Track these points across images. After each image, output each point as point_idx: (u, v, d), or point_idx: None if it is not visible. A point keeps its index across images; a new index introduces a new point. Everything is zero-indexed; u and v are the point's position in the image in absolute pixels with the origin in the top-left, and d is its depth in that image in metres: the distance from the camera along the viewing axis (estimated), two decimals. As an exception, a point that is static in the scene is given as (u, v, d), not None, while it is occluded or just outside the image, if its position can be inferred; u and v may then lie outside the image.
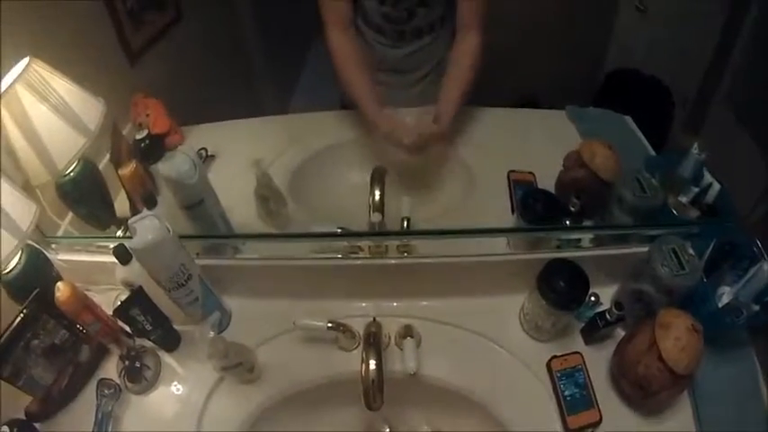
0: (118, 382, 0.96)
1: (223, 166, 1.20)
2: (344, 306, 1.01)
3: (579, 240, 1.04)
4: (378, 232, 0.95)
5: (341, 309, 1.00)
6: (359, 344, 0.96)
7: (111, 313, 0.96)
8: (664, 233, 0.95)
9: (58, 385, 0.95)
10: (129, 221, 0.84)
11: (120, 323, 0.98)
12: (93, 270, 1.07)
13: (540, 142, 1.22)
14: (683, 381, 0.83)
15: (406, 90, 1.20)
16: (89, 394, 0.96)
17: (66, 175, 0.98)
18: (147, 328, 0.95)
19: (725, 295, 0.91)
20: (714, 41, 1.35)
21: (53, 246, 1.08)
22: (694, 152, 0.98)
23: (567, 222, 1.00)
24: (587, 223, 1.04)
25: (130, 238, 0.83)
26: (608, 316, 0.92)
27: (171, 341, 1.01)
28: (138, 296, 0.91)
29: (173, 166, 0.88)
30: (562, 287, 0.87)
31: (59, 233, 1.09)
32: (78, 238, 1.10)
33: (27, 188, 0.97)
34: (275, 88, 1.66)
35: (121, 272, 0.95)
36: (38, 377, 0.91)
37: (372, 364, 0.81)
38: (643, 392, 0.85)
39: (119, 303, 0.92)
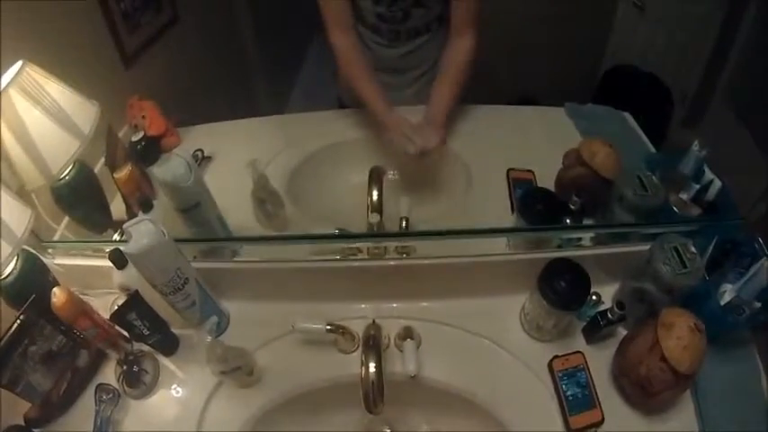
0: (116, 386, 0.96)
1: (220, 167, 1.19)
2: (343, 308, 1.01)
3: (580, 239, 1.03)
4: (376, 234, 0.94)
5: (340, 311, 0.99)
6: (358, 346, 0.96)
7: (108, 318, 0.95)
8: (665, 232, 0.94)
9: (57, 391, 0.95)
10: (125, 226, 0.83)
11: (118, 328, 0.97)
12: (89, 274, 1.06)
13: (539, 140, 1.21)
14: (686, 380, 0.83)
15: (402, 90, 1.19)
16: (88, 399, 0.95)
17: (61, 179, 0.97)
18: (145, 332, 0.94)
19: (727, 293, 0.90)
20: (713, 37, 1.34)
21: (49, 250, 1.08)
22: (695, 149, 0.98)
23: (568, 221, 0.99)
24: (588, 222, 1.03)
25: (126, 242, 0.82)
26: (609, 315, 0.92)
27: (169, 345, 1.00)
28: (134, 301, 0.91)
29: (168, 169, 0.87)
30: (563, 287, 0.86)
31: (55, 237, 1.08)
32: (74, 242, 1.10)
33: (22, 193, 0.97)
34: (272, 88, 1.65)
35: (118, 276, 0.94)
36: (36, 383, 0.91)
37: (372, 367, 0.80)
38: (645, 392, 0.84)
39: (116, 308, 0.91)
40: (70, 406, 0.96)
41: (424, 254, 1.00)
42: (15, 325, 0.87)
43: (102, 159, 1.08)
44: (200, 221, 0.95)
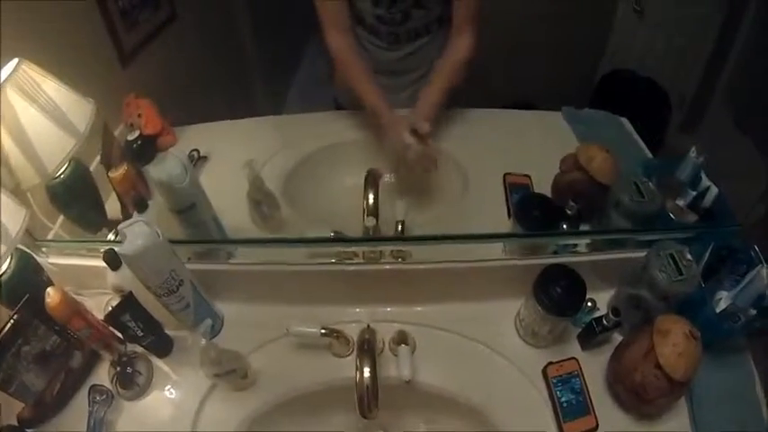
0: (110, 387, 0.95)
1: (216, 167, 1.19)
2: (338, 311, 1.00)
3: (576, 245, 1.03)
4: (371, 238, 0.94)
5: (334, 314, 0.99)
6: (353, 350, 0.95)
7: (102, 319, 0.94)
8: (661, 238, 0.94)
9: (50, 391, 0.94)
10: (119, 227, 0.83)
11: (112, 329, 0.96)
12: (84, 274, 1.06)
13: (536, 144, 1.21)
14: (681, 387, 0.83)
15: (399, 92, 1.19)
16: (81, 400, 0.95)
17: (56, 178, 0.96)
18: (139, 333, 0.94)
19: (722, 300, 0.90)
20: (712, 41, 1.35)
21: (43, 249, 1.07)
22: (692, 155, 0.98)
23: (564, 227, 0.99)
24: (584, 227, 1.03)
25: (120, 242, 0.82)
26: (605, 322, 0.92)
27: (163, 347, 0.99)
28: (128, 302, 0.90)
29: (163, 169, 0.87)
30: (559, 294, 0.86)
31: (50, 236, 1.08)
32: (69, 241, 1.09)
33: (17, 191, 0.96)
34: (269, 88, 1.64)
35: (112, 277, 0.94)
36: (29, 383, 0.90)
37: (367, 372, 0.80)
38: (640, 399, 0.84)
39: (109, 309, 0.91)
40: (64, 406, 0.96)
41: (420, 258, 0.99)
42: (9, 325, 0.87)
43: (98, 158, 1.07)
44: (195, 223, 0.94)
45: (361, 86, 1.14)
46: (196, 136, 1.25)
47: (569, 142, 1.15)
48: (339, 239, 1.00)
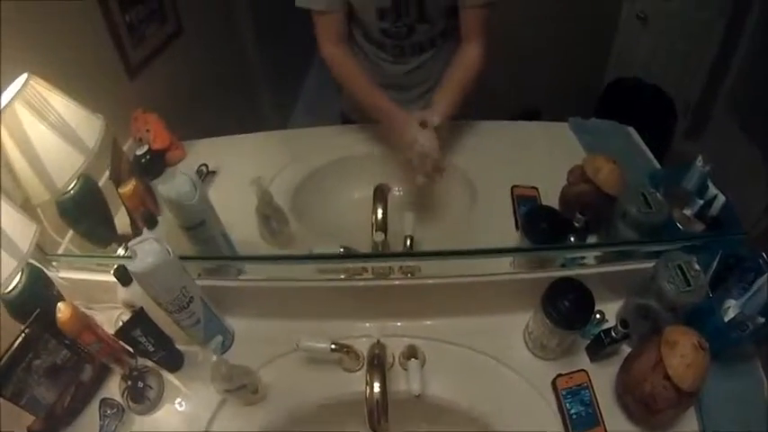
0: (121, 401, 0.96)
1: (224, 182, 1.19)
2: (348, 326, 1.01)
3: (584, 257, 1.03)
4: (381, 254, 0.94)
5: (344, 329, 0.99)
6: (363, 364, 0.95)
7: (112, 333, 0.95)
8: (669, 249, 0.94)
9: (61, 404, 0.94)
10: (130, 244, 0.83)
11: (122, 343, 0.97)
12: (94, 288, 1.06)
13: (544, 155, 1.21)
14: (689, 398, 0.83)
15: (407, 106, 1.18)
16: (92, 414, 0.96)
17: (65, 193, 0.97)
18: (150, 349, 0.94)
19: (731, 309, 0.90)
20: (715, 48, 1.34)
21: (53, 263, 1.08)
22: (698, 164, 0.98)
23: (572, 239, 0.99)
24: (592, 238, 1.03)
25: (131, 257, 0.82)
26: (613, 334, 0.91)
27: (174, 361, 1.00)
28: (139, 318, 0.90)
29: (172, 187, 0.87)
30: (567, 307, 0.86)
31: (60, 250, 1.08)
32: (79, 256, 1.10)
33: (27, 206, 0.96)
34: (276, 101, 1.65)
35: (122, 293, 0.95)
36: (40, 396, 0.91)
37: (377, 387, 0.81)
38: (649, 409, 0.84)
39: (120, 324, 0.91)
40: (74, 419, 0.96)
41: (429, 273, 0.99)
42: (20, 338, 0.87)
43: (107, 173, 1.08)
44: (204, 239, 0.95)
45: (361, 90, 1.14)
46: (204, 150, 1.26)
47: (576, 153, 1.15)
48: (348, 256, 1.01)
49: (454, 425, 0.96)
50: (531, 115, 1.34)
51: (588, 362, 0.96)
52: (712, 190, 0.98)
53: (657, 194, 0.96)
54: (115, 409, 0.95)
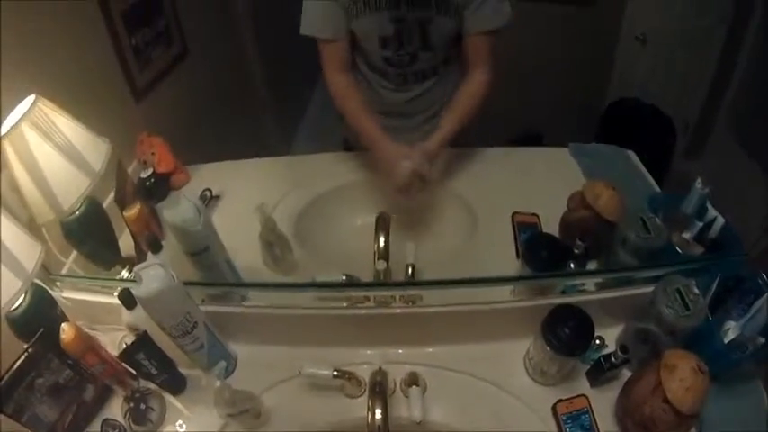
0: (123, 422, 0.96)
1: (228, 207, 1.20)
2: (350, 353, 1.01)
3: (584, 283, 1.04)
4: (382, 283, 0.95)
5: (346, 356, 1.00)
6: (364, 390, 0.96)
7: (116, 354, 0.95)
8: (668, 273, 0.95)
9: (62, 423, 0.95)
10: (135, 269, 0.84)
11: (126, 365, 0.98)
12: (97, 310, 1.07)
13: (544, 181, 1.22)
14: (689, 420, 0.83)
15: (410, 134, 1.19)
16: (93, 434, 0.96)
17: (71, 215, 0.98)
18: (153, 371, 0.95)
19: (731, 330, 0.91)
20: (714, 67, 1.36)
21: (57, 283, 1.08)
22: (698, 186, 0.98)
23: (572, 265, 1.00)
24: (592, 264, 1.04)
25: (135, 282, 0.83)
26: (613, 359, 0.92)
27: (176, 384, 1.00)
28: (143, 341, 0.91)
29: (177, 212, 0.88)
30: (567, 334, 0.87)
31: (63, 270, 1.09)
32: (83, 278, 1.10)
33: (32, 226, 0.97)
34: (279, 127, 1.66)
35: (127, 316, 0.95)
36: (42, 415, 0.91)
37: (378, 413, 0.81)
38: (649, 433, 0.85)
39: (124, 347, 0.92)
40: (75, 439, 0.96)
41: (430, 302, 1.00)
42: (23, 357, 0.88)
43: (111, 194, 1.09)
44: (208, 265, 0.96)
45: (359, 121, 1.15)
46: (208, 175, 1.27)
47: (577, 179, 1.16)
48: (351, 285, 1.01)
49: (455, 450, 0.96)
50: (534, 140, 1.35)
51: (588, 387, 0.97)
52: (711, 212, 0.99)
53: (656, 219, 0.97)
54: (117, 430, 0.95)
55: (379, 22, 1.09)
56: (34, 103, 0.91)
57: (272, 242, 1.03)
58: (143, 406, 0.96)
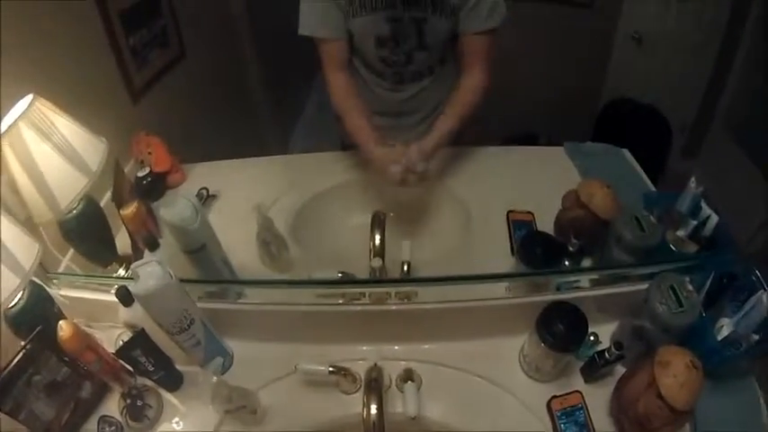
0: (119, 419, 0.96)
1: (224, 206, 1.21)
2: (346, 349, 1.01)
3: (578, 281, 1.04)
4: (378, 280, 0.95)
5: (342, 352, 1.00)
6: (360, 387, 0.96)
7: (112, 352, 0.96)
8: (662, 270, 0.95)
9: (59, 421, 0.95)
10: (132, 266, 0.84)
11: (123, 362, 0.98)
12: (94, 307, 1.08)
13: (539, 180, 1.22)
14: (683, 416, 0.83)
15: (406, 133, 1.20)
16: (90, 430, 0.96)
17: (68, 214, 0.98)
18: (150, 368, 0.95)
19: (724, 327, 0.91)
20: (710, 66, 1.36)
21: (54, 281, 1.09)
22: (692, 185, 0.99)
23: (567, 263, 1.00)
24: (586, 262, 1.04)
25: (133, 279, 0.84)
26: (607, 355, 0.92)
27: (173, 381, 1.01)
28: (140, 338, 0.92)
29: (174, 211, 0.89)
30: (561, 330, 0.87)
31: (61, 269, 1.09)
32: (80, 276, 1.11)
33: (29, 224, 0.98)
34: (276, 126, 1.67)
35: (124, 313, 0.96)
36: (39, 412, 0.92)
37: (374, 409, 0.81)
38: (644, 429, 0.85)
39: (121, 344, 0.92)
40: (72, 436, 0.97)
41: (426, 298, 1.00)
42: (20, 355, 0.89)
43: (108, 193, 1.09)
44: (205, 263, 0.96)
45: (351, 119, 1.16)
46: (204, 174, 1.28)
47: (572, 177, 1.17)
48: (346, 281, 1.02)
49: (450, 447, 0.97)
50: (529, 140, 1.36)
51: (583, 383, 0.97)
52: (705, 210, 0.99)
53: (651, 217, 0.98)
54: (114, 427, 0.96)
55: (375, 22, 1.09)
56: (32, 103, 0.91)
57: (269, 241, 1.04)
58: (140, 403, 0.96)
